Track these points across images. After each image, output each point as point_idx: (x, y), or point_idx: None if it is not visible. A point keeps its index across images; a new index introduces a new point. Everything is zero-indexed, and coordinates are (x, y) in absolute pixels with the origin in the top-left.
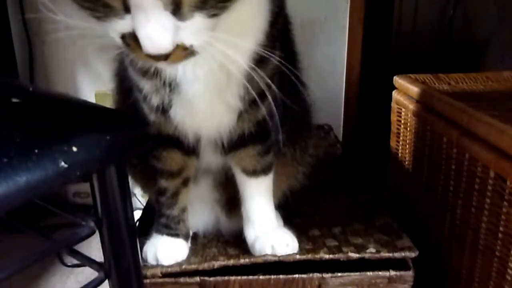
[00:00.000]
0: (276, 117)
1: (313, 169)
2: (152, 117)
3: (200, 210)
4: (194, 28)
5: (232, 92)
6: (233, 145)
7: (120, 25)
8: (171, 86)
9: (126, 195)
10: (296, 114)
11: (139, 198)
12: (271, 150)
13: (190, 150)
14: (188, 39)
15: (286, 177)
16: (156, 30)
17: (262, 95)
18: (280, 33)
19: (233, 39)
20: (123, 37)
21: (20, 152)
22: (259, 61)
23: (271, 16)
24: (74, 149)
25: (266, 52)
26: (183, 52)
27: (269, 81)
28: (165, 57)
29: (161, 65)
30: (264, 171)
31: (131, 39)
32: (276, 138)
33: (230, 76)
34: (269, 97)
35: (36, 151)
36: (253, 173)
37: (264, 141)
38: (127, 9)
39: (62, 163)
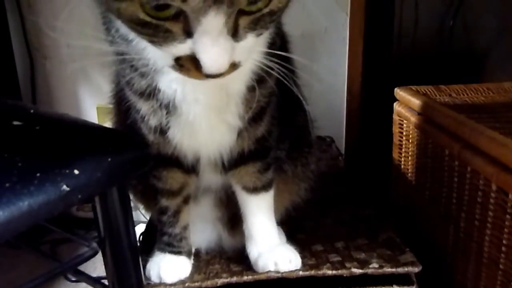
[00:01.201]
0: (274, 134)
1: (316, 183)
2: (150, 137)
3: (202, 227)
4: (246, 47)
5: (232, 112)
6: (233, 163)
7: (178, 49)
8: (169, 107)
9: (128, 216)
10: (296, 130)
11: (142, 212)
12: (271, 167)
13: (190, 169)
14: (239, 57)
15: (288, 194)
16: (219, 53)
17: (261, 113)
18: (277, 53)
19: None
20: (177, 59)
21: (22, 177)
22: (258, 80)
23: (270, 37)
24: (76, 172)
25: (264, 71)
26: (232, 68)
27: (267, 99)
28: (220, 75)
29: (211, 81)
30: (264, 187)
31: (189, 61)
32: (275, 155)
33: (230, 96)
34: (268, 114)
35: (38, 175)
36: (254, 190)
37: (263, 158)
38: (188, 35)
39: (64, 187)
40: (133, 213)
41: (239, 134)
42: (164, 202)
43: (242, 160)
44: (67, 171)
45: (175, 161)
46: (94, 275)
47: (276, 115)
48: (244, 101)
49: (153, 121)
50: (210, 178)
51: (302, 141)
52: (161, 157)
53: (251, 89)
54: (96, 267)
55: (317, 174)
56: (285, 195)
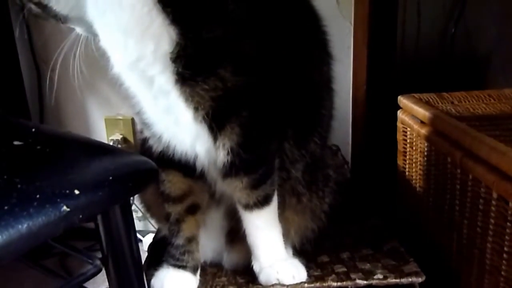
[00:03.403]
0: (262, 146)
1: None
2: (146, 133)
3: (211, 237)
4: None
5: (182, 112)
6: (223, 174)
7: None
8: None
9: (131, 233)
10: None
11: (152, 222)
12: (266, 183)
13: (191, 173)
14: None
15: (303, 224)
16: None
17: (221, 115)
18: None
19: None
20: None
21: (22, 198)
22: (190, 64)
23: None
24: (76, 192)
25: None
26: None
27: (225, 93)
28: None
29: None
30: (257, 204)
31: None
32: (270, 172)
33: (163, 93)
34: (238, 118)
35: (38, 196)
36: (246, 206)
37: (250, 173)
38: None
39: (64, 207)
40: (142, 222)
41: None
42: (167, 207)
43: (230, 172)
44: (67, 191)
45: (171, 162)
46: None
47: (263, 120)
48: (188, 98)
49: (135, 108)
50: (219, 186)
51: (321, 164)
52: (159, 157)
53: (185, 79)
54: (105, 279)
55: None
56: (297, 224)
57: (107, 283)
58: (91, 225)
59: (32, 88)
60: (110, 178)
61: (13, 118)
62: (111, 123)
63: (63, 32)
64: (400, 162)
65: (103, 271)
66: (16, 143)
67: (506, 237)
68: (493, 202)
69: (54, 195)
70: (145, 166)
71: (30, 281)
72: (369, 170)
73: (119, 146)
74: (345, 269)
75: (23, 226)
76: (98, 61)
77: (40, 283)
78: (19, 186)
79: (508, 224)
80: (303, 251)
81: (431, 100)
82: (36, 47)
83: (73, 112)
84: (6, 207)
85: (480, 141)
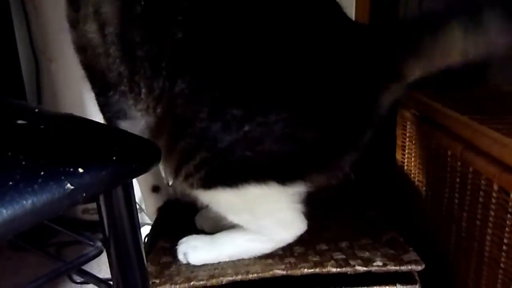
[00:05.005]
0: None
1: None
2: None
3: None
4: None
5: None
6: None
7: None
8: None
9: (134, 215)
10: None
11: (147, 214)
12: None
13: None
14: None
15: None
16: None
17: None
18: None
19: None
20: None
21: (26, 175)
22: None
23: None
24: (80, 170)
25: None
26: None
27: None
28: None
29: None
30: None
31: None
32: None
33: None
34: None
35: (42, 173)
36: None
37: None
38: None
39: (68, 185)
40: (139, 215)
41: None
42: None
43: None
44: (71, 169)
45: None
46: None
47: None
48: None
49: None
50: None
51: None
52: None
53: None
54: (101, 269)
55: None
56: None
57: (103, 272)
58: (90, 218)
59: (30, 79)
60: (114, 158)
61: (15, 100)
62: None
63: (62, 22)
64: (399, 156)
65: (103, 261)
66: (19, 122)
67: (506, 229)
68: (494, 194)
69: (58, 173)
70: (149, 147)
71: (28, 265)
72: (367, 164)
73: None
74: (344, 256)
75: (28, 202)
76: None
77: (39, 269)
78: (23, 162)
79: (509, 216)
80: (301, 239)
81: (430, 95)
82: (34, 37)
83: (71, 103)
84: (10, 183)
85: (482, 133)
